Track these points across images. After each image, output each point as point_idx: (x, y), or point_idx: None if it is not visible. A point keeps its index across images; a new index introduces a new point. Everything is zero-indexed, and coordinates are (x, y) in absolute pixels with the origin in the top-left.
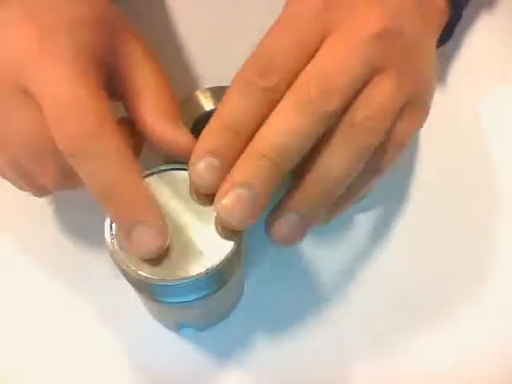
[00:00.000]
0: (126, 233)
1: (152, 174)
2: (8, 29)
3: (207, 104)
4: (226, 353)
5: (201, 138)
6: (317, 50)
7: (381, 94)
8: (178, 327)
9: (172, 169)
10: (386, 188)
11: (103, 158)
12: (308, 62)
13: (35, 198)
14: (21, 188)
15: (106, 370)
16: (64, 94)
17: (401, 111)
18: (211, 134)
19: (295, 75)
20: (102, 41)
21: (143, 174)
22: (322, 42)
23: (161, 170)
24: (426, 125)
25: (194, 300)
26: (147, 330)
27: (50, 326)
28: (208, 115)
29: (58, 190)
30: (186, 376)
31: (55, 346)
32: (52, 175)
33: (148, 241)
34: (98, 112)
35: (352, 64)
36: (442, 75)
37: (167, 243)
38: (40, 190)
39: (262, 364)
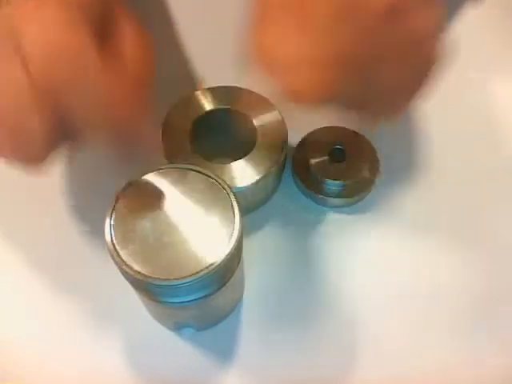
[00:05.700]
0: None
1: (152, 173)
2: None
3: (207, 104)
4: (226, 353)
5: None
6: None
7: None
8: (177, 327)
9: (172, 168)
10: (385, 188)
11: (92, 90)
12: None
13: (34, 196)
14: (7, 157)
15: (105, 370)
16: (50, 35)
17: None
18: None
19: None
20: (96, 6)
21: (143, 173)
22: None
23: (160, 170)
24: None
25: (193, 300)
26: (147, 329)
27: (50, 326)
28: (208, 115)
29: (48, 152)
30: (186, 376)
31: (54, 346)
32: (40, 133)
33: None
34: (84, 55)
35: None
36: None
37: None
38: (30, 158)
39: (262, 364)
